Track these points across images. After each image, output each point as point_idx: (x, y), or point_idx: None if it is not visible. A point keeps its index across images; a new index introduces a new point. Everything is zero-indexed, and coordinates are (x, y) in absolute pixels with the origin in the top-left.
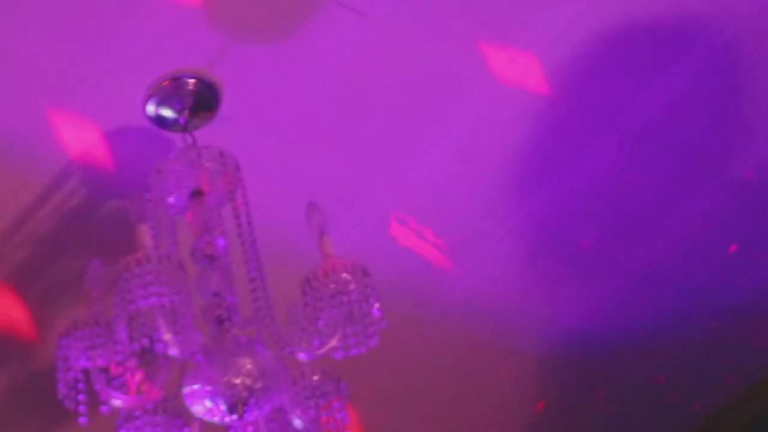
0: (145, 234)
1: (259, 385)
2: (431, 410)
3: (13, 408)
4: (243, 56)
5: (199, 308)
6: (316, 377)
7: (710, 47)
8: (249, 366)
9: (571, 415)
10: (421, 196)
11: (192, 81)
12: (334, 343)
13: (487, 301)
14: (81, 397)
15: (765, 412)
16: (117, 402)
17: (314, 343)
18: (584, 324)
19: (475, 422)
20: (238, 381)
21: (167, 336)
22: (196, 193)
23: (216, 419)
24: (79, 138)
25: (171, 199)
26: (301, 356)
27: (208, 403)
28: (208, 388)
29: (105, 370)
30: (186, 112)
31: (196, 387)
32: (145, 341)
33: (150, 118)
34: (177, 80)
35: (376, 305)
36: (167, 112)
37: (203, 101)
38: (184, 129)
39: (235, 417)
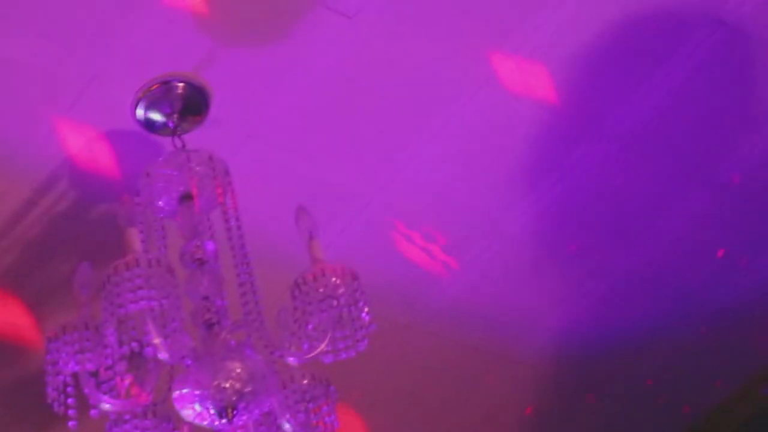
0: (135, 237)
1: (248, 389)
2: (420, 414)
3: (2, 411)
4: (232, 60)
5: (189, 312)
6: (305, 381)
7: (698, 52)
8: (238, 370)
9: (560, 419)
10: (410, 201)
11: (181, 85)
12: (323, 347)
13: (477, 305)
14: (70, 401)
15: (755, 414)
16: (106, 406)
17: (304, 347)
18: (573, 328)
19: (464, 427)
20: (227, 385)
21: (156, 340)
22: (186, 197)
23: (205, 423)
24: (69, 141)
25: (160, 203)
26: (291, 360)
27: (197, 407)
28: (197, 392)
29: (94, 374)
30: (175, 116)
31: (185, 391)
32: (135, 345)
33: (139, 121)
34: (166, 84)
35: (366, 309)
36: (157, 116)
37: (192, 105)
38: (174, 133)
39: (224, 421)
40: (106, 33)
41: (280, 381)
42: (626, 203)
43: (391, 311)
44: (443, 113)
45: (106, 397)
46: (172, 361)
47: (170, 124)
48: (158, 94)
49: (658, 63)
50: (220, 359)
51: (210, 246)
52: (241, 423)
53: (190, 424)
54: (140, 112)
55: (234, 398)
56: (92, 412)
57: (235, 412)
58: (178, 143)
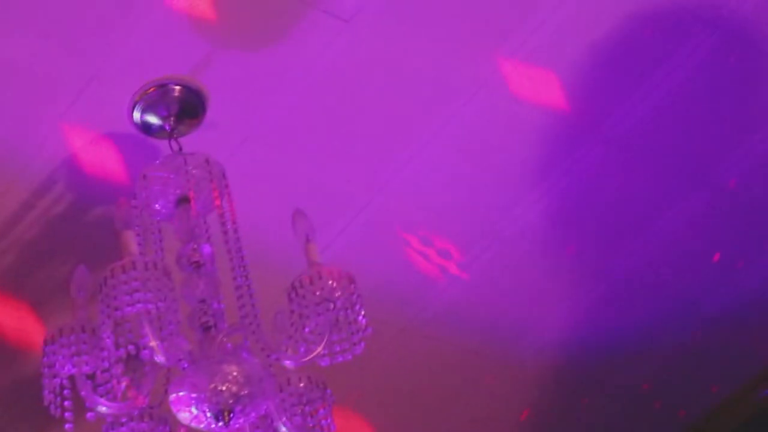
0: (131, 240)
1: (245, 392)
2: (418, 417)
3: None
4: (229, 63)
5: (185, 315)
6: (302, 384)
7: (696, 54)
8: (235, 373)
9: (557, 422)
10: (407, 204)
11: (178, 88)
12: (320, 350)
13: (475, 308)
14: (67, 403)
15: (751, 417)
16: (103, 409)
17: (300, 350)
18: (571, 330)
19: (461, 429)
20: (224, 388)
21: (153, 343)
22: (183, 200)
23: (202, 426)
24: (66, 144)
25: (157, 206)
26: (288, 363)
27: (194, 410)
28: (194, 395)
29: (91, 377)
30: (172, 119)
31: (182, 394)
32: (131, 348)
33: (136, 124)
34: (163, 87)
35: (362, 312)
36: (153, 119)
37: (189, 108)
38: (170, 136)
39: (221, 424)
40: (103, 36)
41: (277, 384)
42: (624, 205)
43: (389, 314)
44: (441, 115)
45: (102, 400)
46: (169, 363)
47: (167, 127)
48: (155, 97)
49: (657, 65)
50: (217, 362)
51: (207, 249)
52: (237, 426)
53: (187, 427)
54: (137, 115)
55: (230, 401)
56: (89, 414)
57: (231, 415)
58: (175, 146)
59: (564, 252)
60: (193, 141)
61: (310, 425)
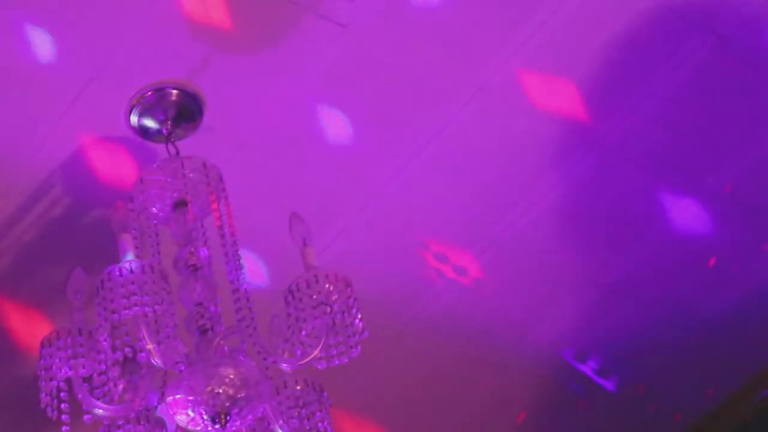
0: (129, 243)
1: (241, 394)
2: (413, 421)
3: None
4: (226, 67)
5: (182, 318)
6: (298, 387)
7: (690, 61)
8: (232, 376)
9: (553, 426)
10: (402, 208)
11: (175, 92)
12: (316, 353)
13: (470, 313)
14: (64, 406)
15: (746, 421)
16: (99, 411)
17: (297, 353)
18: (566, 335)
19: None
20: (220, 390)
21: (150, 346)
22: (180, 204)
23: (199, 429)
24: (63, 147)
25: (154, 209)
26: (284, 366)
27: (190, 413)
28: (190, 398)
29: (88, 380)
30: (169, 123)
31: (179, 396)
32: (128, 351)
33: (133, 128)
34: (160, 91)
35: (359, 316)
36: (150, 123)
37: (186, 112)
38: (168, 139)
39: (217, 427)
40: (100, 40)
41: (274, 387)
42: (620, 209)
43: (385, 318)
44: (437, 119)
45: (99, 403)
46: (166, 366)
47: (164, 131)
48: (152, 101)
49: (651, 71)
50: (214, 365)
51: (204, 252)
52: (234, 428)
53: (184, 430)
54: (134, 119)
55: (227, 404)
56: (85, 417)
57: (228, 417)
58: (172, 150)
59: (560, 256)
60: (190, 145)
61: (307, 428)
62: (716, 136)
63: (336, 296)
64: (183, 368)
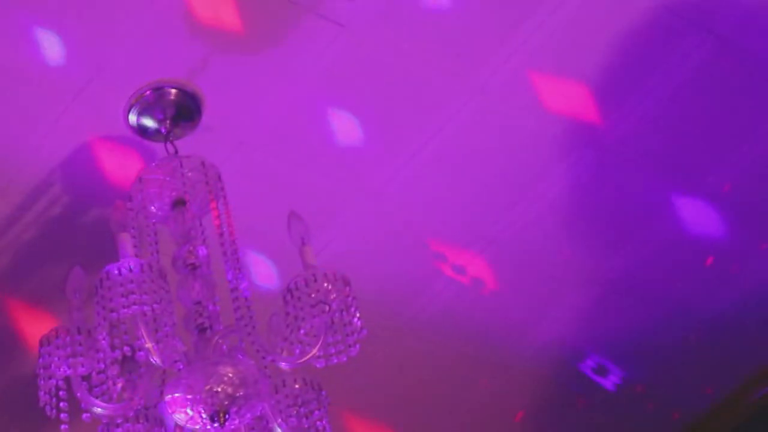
0: (127, 242)
1: (240, 393)
2: (412, 420)
3: None
4: (225, 67)
5: (181, 317)
6: (297, 386)
7: (688, 62)
8: (230, 374)
9: (551, 425)
10: (402, 207)
11: (174, 91)
12: (315, 351)
13: (469, 312)
14: (63, 404)
15: (745, 420)
16: (98, 410)
17: (296, 352)
18: (564, 334)
19: (455, 431)
20: (219, 389)
21: (149, 344)
22: (178, 202)
23: (198, 427)
24: (62, 146)
25: (153, 208)
26: (283, 365)
27: (189, 411)
28: (189, 397)
29: (86, 378)
30: (168, 122)
31: (177, 395)
32: (127, 349)
33: (132, 127)
34: (159, 90)
35: (357, 315)
36: (149, 122)
37: (185, 111)
38: (166, 138)
39: (216, 425)
40: (99, 39)
41: (272, 385)
42: (619, 209)
43: (384, 317)
44: (436, 120)
45: (98, 401)
46: (164, 365)
47: (163, 130)
48: (151, 100)
49: (651, 71)
50: (212, 364)
51: (202, 251)
52: (233, 427)
53: (183, 428)
54: (133, 118)
55: (226, 402)
56: (84, 416)
57: (227, 416)
58: (171, 149)
59: (559, 255)
60: (188, 144)
61: (305, 427)
62: (716, 135)
63: (334, 295)
64: (182, 367)
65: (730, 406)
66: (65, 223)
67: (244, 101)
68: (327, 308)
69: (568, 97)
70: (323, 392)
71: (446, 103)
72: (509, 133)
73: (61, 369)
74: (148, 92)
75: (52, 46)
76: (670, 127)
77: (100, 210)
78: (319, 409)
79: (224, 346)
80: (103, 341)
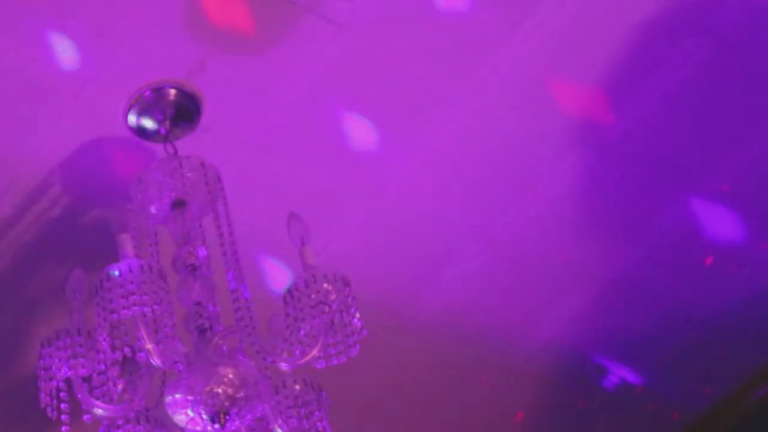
0: (127, 243)
1: (240, 394)
2: (412, 421)
3: None
4: (224, 67)
5: (181, 318)
6: (297, 387)
7: (687, 62)
8: (231, 375)
9: (551, 425)
10: (401, 207)
11: (173, 91)
12: (315, 352)
13: (467, 312)
14: (63, 406)
15: (744, 420)
16: (99, 411)
17: (296, 353)
18: (564, 334)
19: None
20: (219, 390)
21: (149, 345)
22: (178, 203)
23: (198, 428)
24: (62, 147)
25: (152, 209)
26: (283, 366)
27: (190, 412)
28: (189, 398)
29: (87, 380)
30: (167, 123)
31: (178, 396)
32: (127, 350)
33: (131, 128)
34: (158, 91)
35: (357, 315)
36: (148, 123)
37: (184, 112)
38: (166, 139)
39: (217, 426)
40: (99, 39)
41: (273, 386)
42: (618, 209)
43: (382, 318)
44: (435, 119)
45: (98, 402)
46: (165, 366)
47: (162, 131)
48: (150, 101)
49: (651, 72)
50: (213, 364)
51: (202, 252)
52: (233, 428)
53: (183, 430)
54: (132, 119)
55: (226, 403)
56: (85, 417)
57: (227, 417)
58: (170, 149)
59: (559, 255)
60: (188, 144)
61: (306, 428)
62: (716, 135)
63: (334, 296)
64: (182, 368)
65: (730, 406)
66: (65, 224)
67: (244, 101)
68: (327, 309)
69: (568, 97)
70: (323, 393)
71: (446, 103)
72: (509, 133)
73: (62, 370)
74: (147, 92)
75: (51, 47)
76: (671, 127)
77: (99, 211)
78: (319, 410)
79: (224, 347)
80: (104, 342)
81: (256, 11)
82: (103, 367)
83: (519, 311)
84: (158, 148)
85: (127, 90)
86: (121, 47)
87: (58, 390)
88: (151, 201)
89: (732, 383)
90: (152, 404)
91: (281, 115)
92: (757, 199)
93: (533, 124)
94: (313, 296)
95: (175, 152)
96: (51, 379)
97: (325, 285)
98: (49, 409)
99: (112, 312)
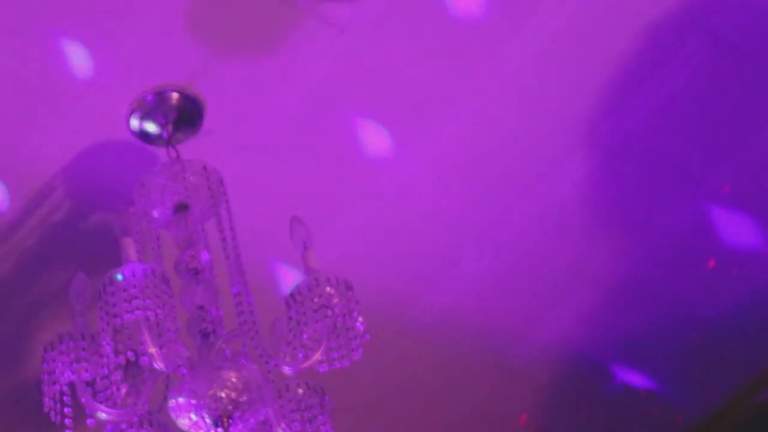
0: (130, 247)
1: (243, 398)
2: (414, 422)
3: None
4: (226, 71)
5: (184, 322)
6: (300, 390)
7: (688, 64)
8: (234, 379)
9: (554, 428)
10: (403, 210)
11: (175, 95)
12: (318, 356)
13: (469, 315)
14: (67, 410)
15: (747, 423)
16: (103, 415)
17: (299, 357)
18: (566, 337)
19: None
20: (223, 394)
21: (152, 349)
22: (181, 207)
23: None
24: (64, 151)
25: (155, 213)
26: (286, 369)
27: (193, 416)
28: (193, 402)
29: (90, 384)
30: (169, 127)
31: (181, 400)
32: (130, 354)
33: (134, 132)
34: (160, 94)
35: (360, 319)
36: (151, 127)
37: (187, 115)
38: (168, 143)
39: (220, 430)
40: (100, 43)
41: (276, 390)
42: (619, 212)
43: (385, 321)
44: (435, 122)
45: (102, 407)
46: (168, 370)
47: (164, 135)
48: (152, 105)
49: (650, 72)
50: (216, 368)
51: (205, 256)
52: None
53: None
54: (135, 123)
55: (229, 407)
56: (89, 421)
57: (230, 421)
58: (173, 153)
59: (560, 256)
60: (190, 148)
61: (309, 431)
62: (716, 136)
63: (337, 299)
64: (185, 372)
65: (734, 409)
66: (68, 228)
67: (246, 105)
68: (329, 313)
69: (568, 98)
70: (326, 397)
71: (447, 104)
72: (510, 134)
73: (65, 374)
74: (149, 96)
75: (54, 51)
76: (671, 128)
77: (102, 215)
78: (322, 414)
79: (227, 351)
80: (107, 346)
81: (257, 14)
82: (106, 371)
83: (521, 313)
84: (161, 152)
85: (129, 94)
86: (123, 51)
87: (62, 394)
88: (153, 205)
89: (736, 386)
90: (155, 408)
91: (283, 117)
92: (758, 201)
93: (534, 125)
94: (315, 300)
95: (178, 156)
96: (54, 383)
97: (328, 289)
98: (52, 414)
99: (115, 316)
